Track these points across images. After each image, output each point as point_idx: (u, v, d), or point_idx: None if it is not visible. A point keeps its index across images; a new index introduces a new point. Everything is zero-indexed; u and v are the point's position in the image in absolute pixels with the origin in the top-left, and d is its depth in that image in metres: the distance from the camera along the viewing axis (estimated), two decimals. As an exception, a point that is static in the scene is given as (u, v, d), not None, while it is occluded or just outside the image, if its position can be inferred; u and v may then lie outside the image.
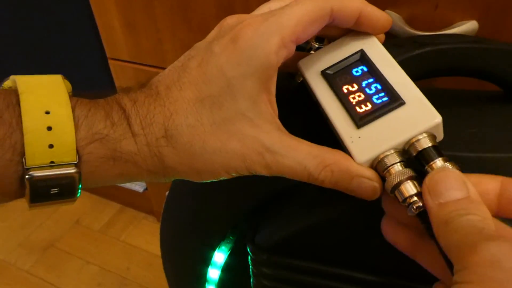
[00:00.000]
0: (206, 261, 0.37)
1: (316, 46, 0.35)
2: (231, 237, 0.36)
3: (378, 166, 0.24)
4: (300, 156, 0.24)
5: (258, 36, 0.24)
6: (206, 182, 0.35)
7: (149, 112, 0.25)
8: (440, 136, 0.24)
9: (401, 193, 0.23)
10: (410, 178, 0.23)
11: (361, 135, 0.24)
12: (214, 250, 0.36)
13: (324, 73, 0.27)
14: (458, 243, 0.19)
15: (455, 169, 0.22)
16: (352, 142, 0.25)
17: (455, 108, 0.34)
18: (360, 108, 0.25)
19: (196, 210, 0.37)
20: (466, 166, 0.27)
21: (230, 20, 0.26)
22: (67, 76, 0.26)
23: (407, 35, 0.39)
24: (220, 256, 0.37)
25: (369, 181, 0.24)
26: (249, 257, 0.33)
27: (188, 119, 0.25)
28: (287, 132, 0.25)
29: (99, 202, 1.10)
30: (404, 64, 0.29)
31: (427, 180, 0.22)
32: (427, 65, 0.30)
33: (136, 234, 1.01)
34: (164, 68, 0.65)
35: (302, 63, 0.28)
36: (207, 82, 0.25)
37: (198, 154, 0.25)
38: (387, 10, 0.41)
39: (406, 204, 0.22)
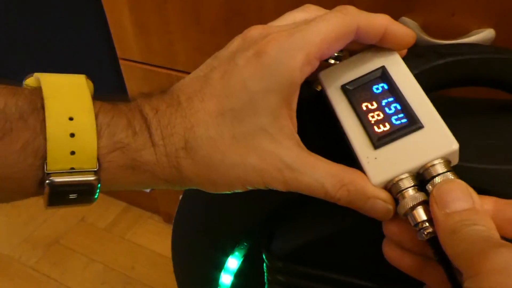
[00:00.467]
0: (218, 266, 0.37)
1: (335, 55, 0.34)
2: (245, 243, 0.36)
3: (392, 188, 0.24)
4: (318, 174, 0.24)
5: (283, 52, 0.24)
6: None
7: (170, 123, 0.25)
8: (455, 161, 0.24)
9: (413, 217, 0.23)
10: (423, 203, 0.23)
11: (377, 156, 0.25)
12: (227, 255, 0.36)
13: (344, 88, 0.27)
14: (466, 251, 0.20)
15: (461, 180, 0.22)
16: (368, 162, 0.25)
17: (471, 117, 0.34)
18: (379, 128, 0.25)
19: (210, 214, 0.37)
20: (482, 177, 0.27)
21: (255, 31, 0.26)
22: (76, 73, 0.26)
23: (424, 43, 0.39)
24: (233, 262, 0.37)
25: (383, 203, 0.24)
26: (264, 265, 0.33)
27: (209, 131, 0.25)
28: (305, 148, 0.25)
29: (105, 200, 1.10)
30: (425, 74, 0.29)
31: (434, 191, 0.22)
32: (448, 75, 0.30)
33: (141, 233, 1.01)
34: (174, 70, 0.65)
35: (323, 75, 0.28)
36: (230, 95, 0.24)
37: (216, 166, 0.25)
38: (403, 17, 0.41)
39: (418, 229, 0.23)
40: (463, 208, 0.21)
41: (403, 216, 0.24)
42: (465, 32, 0.40)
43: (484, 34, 0.38)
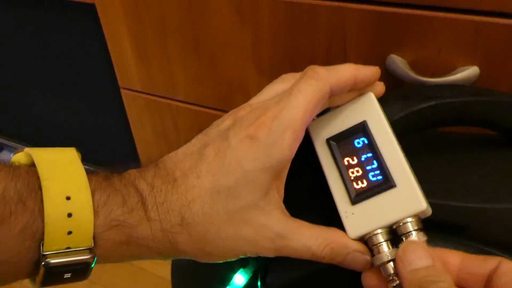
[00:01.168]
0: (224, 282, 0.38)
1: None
2: (244, 274, 0.37)
3: (368, 241, 0.27)
4: (304, 239, 0.27)
5: (273, 135, 0.26)
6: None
7: (166, 200, 0.26)
8: (427, 214, 0.26)
9: (386, 270, 0.26)
10: (394, 260, 0.26)
11: (354, 212, 0.27)
12: (226, 286, 0.37)
13: (329, 142, 0.29)
14: None
15: (423, 241, 0.25)
16: (347, 217, 0.27)
17: (455, 153, 0.35)
18: (357, 184, 0.28)
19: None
20: (460, 216, 0.29)
21: (243, 111, 0.28)
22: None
23: (411, 80, 0.41)
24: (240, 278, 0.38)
25: (362, 255, 0.27)
26: (260, 297, 0.34)
27: (205, 207, 0.26)
28: (289, 215, 0.28)
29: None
30: (410, 117, 0.31)
31: (399, 251, 0.25)
32: (432, 117, 0.31)
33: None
34: (174, 100, 0.66)
35: (311, 127, 0.31)
36: (225, 173, 0.26)
37: (212, 240, 0.26)
38: (392, 55, 0.43)
39: (389, 280, 0.26)
40: (426, 265, 0.23)
41: (377, 267, 0.26)
42: (451, 70, 0.42)
43: (469, 72, 0.40)
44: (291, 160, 0.27)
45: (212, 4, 0.51)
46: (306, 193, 0.33)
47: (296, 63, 0.50)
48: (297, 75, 0.30)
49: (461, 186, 0.31)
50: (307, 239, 0.27)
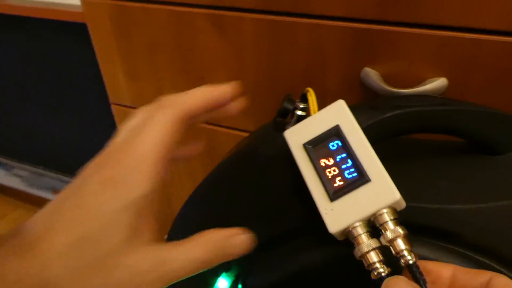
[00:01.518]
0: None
1: (301, 107, 0.39)
2: (226, 279, 0.39)
3: (349, 234, 0.28)
4: (183, 254, 0.26)
5: (128, 171, 0.25)
6: (205, 223, 0.39)
7: (22, 268, 0.23)
8: (401, 206, 0.28)
9: (366, 260, 0.27)
10: (374, 249, 0.27)
11: (333, 208, 0.29)
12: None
13: (305, 147, 0.31)
14: None
15: (403, 276, 0.25)
16: (326, 213, 0.29)
17: (424, 158, 0.38)
18: (334, 182, 0.30)
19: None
20: (429, 217, 0.31)
21: (100, 156, 0.28)
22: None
23: (385, 92, 0.44)
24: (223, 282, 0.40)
25: (241, 234, 0.29)
26: (242, 298, 0.36)
27: (68, 264, 0.24)
28: (163, 242, 0.27)
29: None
30: (378, 125, 0.33)
31: (383, 285, 0.25)
32: (398, 125, 0.34)
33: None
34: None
35: (287, 134, 0.33)
36: (84, 222, 0.25)
37: None
38: (366, 68, 0.46)
39: (369, 269, 0.27)
40: None
41: (358, 259, 0.28)
42: (421, 81, 0.44)
43: (437, 83, 0.43)
44: (159, 191, 0.27)
45: (197, 23, 0.54)
46: (286, 198, 0.35)
47: (279, 80, 0.53)
48: (150, 108, 0.29)
49: (430, 189, 0.33)
50: (187, 252, 0.26)
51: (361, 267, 0.29)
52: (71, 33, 0.73)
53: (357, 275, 0.31)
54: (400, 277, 0.25)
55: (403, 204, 0.28)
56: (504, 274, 0.31)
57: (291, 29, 0.48)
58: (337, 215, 0.29)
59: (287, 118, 0.40)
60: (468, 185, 0.34)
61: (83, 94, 0.80)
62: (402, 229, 0.27)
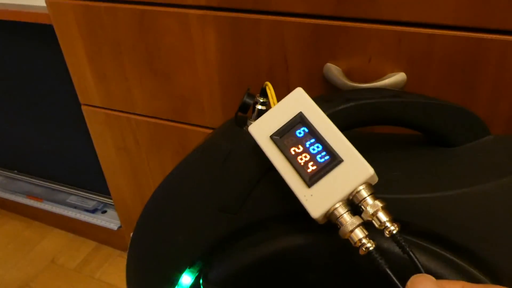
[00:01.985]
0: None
1: (261, 101, 0.39)
2: (190, 274, 0.39)
3: (331, 216, 0.29)
4: None
5: None
6: (164, 223, 0.39)
7: None
8: (375, 181, 0.29)
9: (352, 238, 0.28)
10: (358, 226, 0.28)
11: (312, 193, 0.29)
12: (174, 286, 0.39)
13: (273, 138, 0.32)
14: None
15: (429, 275, 0.26)
16: (307, 200, 0.29)
17: (381, 151, 0.38)
18: (308, 168, 0.30)
19: (155, 249, 0.40)
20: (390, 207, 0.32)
21: None
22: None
23: (346, 87, 0.44)
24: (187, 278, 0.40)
25: None
26: (202, 293, 0.36)
27: None
28: None
29: (75, 240, 1.11)
30: (332, 117, 0.33)
31: (409, 282, 0.26)
32: (352, 117, 0.34)
33: (111, 272, 1.02)
34: (134, 114, 0.68)
35: (252, 129, 0.33)
36: None
37: None
38: (328, 64, 0.46)
39: (357, 246, 0.28)
40: None
41: (344, 238, 0.28)
42: (381, 76, 0.45)
43: (396, 78, 0.44)
44: None
45: (162, 23, 0.54)
46: (246, 191, 0.36)
47: (244, 77, 0.53)
48: None
49: (383, 180, 0.34)
50: None
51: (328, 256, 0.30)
52: (38, 35, 0.73)
53: (324, 263, 0.32)
54: (427, 276, 0.26)
55: (376, 179, 0.29)
56: (455, 262, 0.32)
57: (253, 26, 0.49)
58: (317, 200, 0.29)
59: (248, 112, 0.41)
60: (420, 176, 0.35)
61: (53, 96, 0.80)
62: (381, 202, 0.28)
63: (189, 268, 0.39)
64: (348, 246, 0.31)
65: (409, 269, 0.27)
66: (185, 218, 0.38)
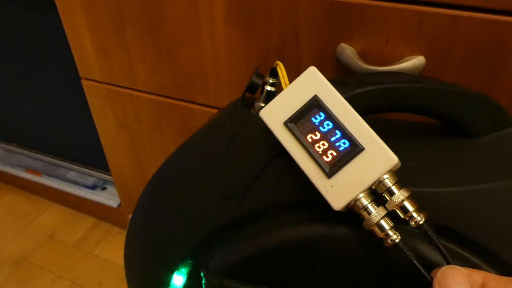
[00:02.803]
0: (164, 284, 0.38)
1: (271, 81, 0.37)
2: (189, 261, 0.37)
3: (354, 207, 0.28)
4: None
5: None
6: (165, 206, 0.37)
7: None
8: (398, 166, 0.27)
9: (378, 230, 0.27)
10: (383, 217, 0.27)
11: (333, 184, 0.28)
12: (172, 272, 0.38)
13: (287, 125, 0.29)
14: None
15: (462, 268, 0.25)
16: (327, 191, 0.28)
17: (396, 140, 0.36)
18: (327, 157, 0.28)
19: (155, 233, 0.38)
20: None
21: None
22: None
23: (361, 69, 0.42)
24: (179, 279, 0.38)
25: None
26: (203, 282, 0.35)
27: None
28: None
29: (74, 216, 1.10)
30: (348, 102, 0.31)
31: (439, 273, 0.25)
32: (369, 103, 0.32)
33: (110, 249, 1.01)
34: (135, 90, 0.66)
35: (263, 114, 0.30)
36: None
37: None
38: (342, 44, 0.44)
39: (383, 237, 0.27)
40: None
41: (367, 229, 0.27)
42: (399, 59, 0.42)
43: (415, 61, 0.41)
44: None
45: (168, -7, 0.51)
46: (251, 178, 0.34)
47: (252, 55, 0.51)
48: None
49: (405, 171, 0.32)
50: None
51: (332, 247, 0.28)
52: (38, 6, 0.70)
53: (333, 256, 0.30)
54: (458, 268, 0.25)
55: (399, 165, 0.27)
56: (473, 261, 0.30)
57: (264, 3, 0.46)
58: (339, 191, 0.27)
59: (255, 93, 0.38)
60: (437, 168, 0.33)
61: (53, 69, 0.77)
62: (406, 191, 0.27)
63: (180, 266, 0.37)
64: (362, 239, 0.29)
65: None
66: (187, 203, 0.37)
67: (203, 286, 0.35)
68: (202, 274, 0.34)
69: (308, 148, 0.28)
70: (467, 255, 0.29)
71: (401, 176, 0.30)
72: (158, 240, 0.38)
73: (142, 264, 0.40)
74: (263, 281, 0.33)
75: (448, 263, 0.26)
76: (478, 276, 0.25)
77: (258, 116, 0.31)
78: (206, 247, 0.36)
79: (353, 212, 0.28)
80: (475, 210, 0.30)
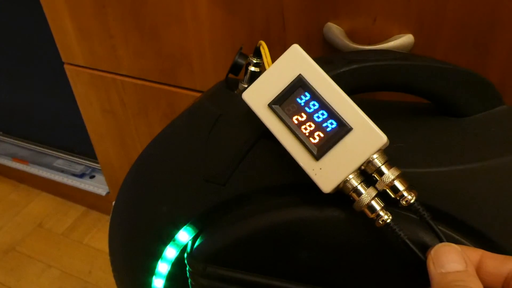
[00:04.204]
0: (149, 271, 0.37)
1: (255, 62, 0.35)
2: (187, 232, 0.36)
3: (344, 189, 0.27)
4: None
5: None
6: (147, 193, 0.36)
7: None
8: (387, 144, 0.27)
9: (369, 210, 0.26)
10: (373, 198, 0.26)
11: (321, 166, 0.27)
12: (157, 260, 0.37)
13: (271, 107, 0.28)
14: None
15: (456, 245, 0.25)
16: (316, 174, 0.27)
17: (385, 120, 0.35)
18: (314, 138, 0.27)
19: (138, 220, 0.37)
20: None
21: None
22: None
23: (348, 48, 0.40)
24: (164, 266, 0.37)
25: None
26: (187, 269, 0.34)
27: None
28: None
29: (63, 205, 1.09)
30: (333, 81, 0.30)
31: (432, 252, 0.25)
32: (355, 81, 0.31)
33: (99, 237, 1.00)
34: (119, 74, 0.64)
35: (246, 96, 0.29)
36: None
37: None
38: (329, 23, 0.42)
39: (374, 218, 0.26)
40: (456, 270, 0.23)
41: (358, 211, 0.27)
42: (387, 37, 0.41)
43: (403, 40, 0.40)
44: None
45: (149, -27, 0.49)
46: (235, 161, 0.33)
47: (236, 36, 0.49)
48: None
49: (392, 151, 0.31)
50: None
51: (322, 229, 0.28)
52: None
53: (320, 240, 0.30)
54: (452, 245, 0.24)
55: (387, 144, 0.27)
56: (462, 242, 0.29)
57: (250, -20, 0.45)
58: (328, 173, 0.27)
59: (239, 74, 0.37)
60: (426, 148, 0.32)
61: (35, 55, 0.75)
62: (396, 170, 0.26)
63: (186, 224, 0.36)
64: (351, 220, 0.28)
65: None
66: (169, 188, 0.35)
67: (187, 273, 0.34)
68: (186, 261, 0.33)
69: (295, 130, 0.27)
70: (456, 236, 0.29)
71: (389, 156, 0.29)
72: (141, 227, 0.37)
73: (126, 252, 0.39)
74: (249, 267, 0.32)
75: (441, 241, 0.26)
76: (475, 254, 0.25)
77: (241, 97, 0.30)
78: (190, 233, 0.35)
79: (341, 193, 0.27)
80: (464, 190, 0.29)
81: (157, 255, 0.36)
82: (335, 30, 0.42)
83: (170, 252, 0.37)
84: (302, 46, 0.29)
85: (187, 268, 0.34)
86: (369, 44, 0.41)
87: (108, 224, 1.04)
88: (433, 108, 0.36)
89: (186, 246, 0.35)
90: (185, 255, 0.34)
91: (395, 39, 0.40)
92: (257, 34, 0.48)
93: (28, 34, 0.73)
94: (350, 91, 0.31)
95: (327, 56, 0.33)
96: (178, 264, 0.36)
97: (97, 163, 0.97)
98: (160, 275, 0.38)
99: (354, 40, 0.42)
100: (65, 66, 0.66)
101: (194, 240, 0.34)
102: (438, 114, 0.35)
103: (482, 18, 0.38)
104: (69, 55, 0.64)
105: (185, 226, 0.35)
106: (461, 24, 0.39)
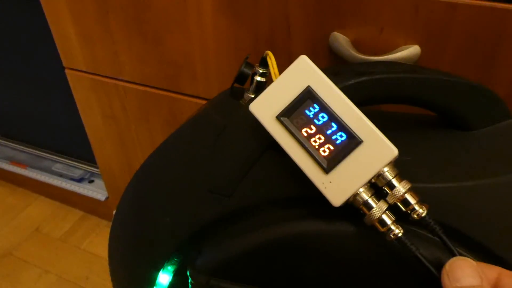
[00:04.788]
0: (150, 282, 0.37)
1: (261, 71, 0.35)
2: (175, 259, 0.36)
3: (354, 202, 0.26)
4: None
5: None
6: (150, 203, 0.35)
7: None
8: (397, 156, 0.26)
9: (380, 224, 0.26)
10: (385, 212, 0.26)
11: (331, 180, 0.26)
12: (158, 271, 0.36)
13: (280, 119, 0.28)
14: None
15: (471, 260, 0.25)
16: (325, 187, 0.26)
17: (392, 133, 0.35)
18: (324, 151, 0.27)
19: (141, 230, 0.37)
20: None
21: None
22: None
23: (354, 59, 0.40)
24: (165, 277, 0.37)
25: None
26: (189, 281, 0.33)
27: None
28: None
29: (61, 209, 1.08)
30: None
31: (447, 265, 0.24)
32: (363, 94, 0.31)
33: (97, 242, 0.99)
34: (121, 80, 0.64)
35: (253, 108, 0.29)
36: None
37: None
38: (335, 33, 0.42)
39: (385, 232, 0.26)
40: (472, 285, 0.23)
41: (369, 224, 0.26)
42: (393, 48, 0.41)
43: (410, 51, 0.40)
44: None
45: (153, -21, 0.49)
46: (239, 173, 0.32)
47: (241, 45, 0.49)
48: None
49: (401, 166, 0.30)
50: None
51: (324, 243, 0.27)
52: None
53: (327, 253, 0.29)
54: (466, 259, 0.24)
55: (397, 156, 0.26)
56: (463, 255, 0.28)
57: (255, -12, 0.44)
58: (337, 186, 0.26)
59: (245, 84, 0.37)
60: (433, 162, 0.31)
61: (37, 59, 0.74)
62: (407, 184, 0.26)
63: (166, 263, 0.35)
64: (360, 234, 0.28)
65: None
66: (173, 199, 0.35)
67: (190, 285, 0.33)
68: (188, 273, 0.33)
69: (304, 143, 0.27)
70: (464, 253, 0.28)
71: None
72: (143, 237, 0.36)
73: (127, 262, 0.39)
74: (253, 280, 0.32)
75: (454, 255, 0.25)
76: (492, 271, 0.24)
77: (247, 107, 0.29)
78: (193, 244, 0.34)
79: (350, 206, 0.27)
80: (472, 206, 0.29)
81: (158, 266, 0.36)
82: (341, 40, 0.41)
83: (164, 278, 0.36)
84: (308, 55, 0.28)
85: (189, 281, 0.33)
86: (375, 54, 0.41)
87: (106, 229, 1.03)
88: (439, 120, 0.36)
89: (189, 257, 0.34)
90: (188, 266, 0.33)
91: (402, 50, 0.40)
92: (261, 42, 0.47)
93: (29, 39, 0.73)
94: (358, 104, 0.31)
95: (334, 67, 0.33)
96: (179, 275, 0.36)
97: (96, 167, 0.97)
98: (161, 287, 0.37)
99: (360, 50, 0.41)
100: (66, 71, 0.65)
101: (197, 251, 0.33)
102: (445, 127, 0.35)
103: (489, 30, 0.37)
104: (71, 60, 0.63)
105: (188, 237, 0.34)
106: (469, 36, 0.38)
